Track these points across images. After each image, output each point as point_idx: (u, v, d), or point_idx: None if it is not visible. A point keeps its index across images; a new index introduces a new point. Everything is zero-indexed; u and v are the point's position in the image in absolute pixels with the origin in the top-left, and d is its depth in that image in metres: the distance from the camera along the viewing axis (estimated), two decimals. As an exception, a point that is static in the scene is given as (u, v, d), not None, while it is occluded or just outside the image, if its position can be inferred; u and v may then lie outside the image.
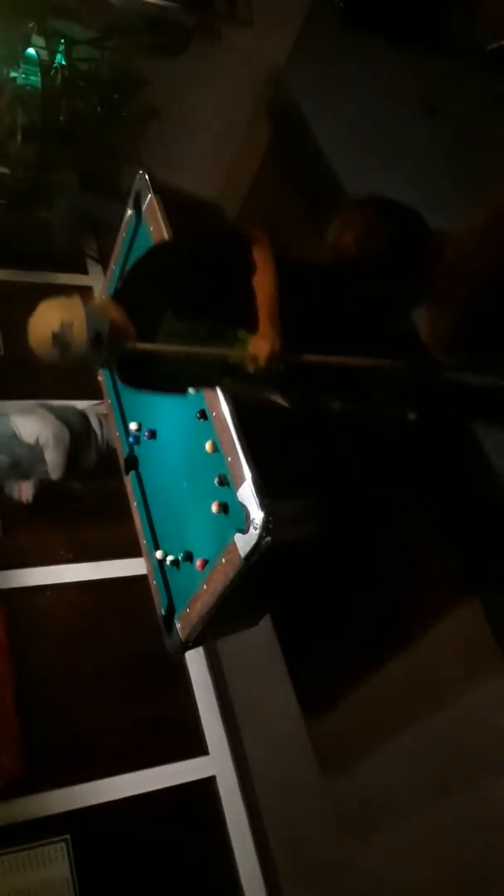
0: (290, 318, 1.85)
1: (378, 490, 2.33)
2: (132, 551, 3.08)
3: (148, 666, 3.16)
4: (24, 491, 3.32)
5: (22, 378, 3.88)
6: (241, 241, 1.92)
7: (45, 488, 3.33)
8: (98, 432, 3.46)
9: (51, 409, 3.38)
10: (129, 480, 3.02)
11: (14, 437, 3.23)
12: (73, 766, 2.99)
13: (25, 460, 3.26)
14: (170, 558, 2.64)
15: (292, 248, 3.06)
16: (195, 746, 3.28)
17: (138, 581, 3.04)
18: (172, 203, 2.68)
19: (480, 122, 2.56)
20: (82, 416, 3.47)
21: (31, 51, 3.94)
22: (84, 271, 4.51)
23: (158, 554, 2.72)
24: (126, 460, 3.05)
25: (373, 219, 1.73)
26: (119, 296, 1.96)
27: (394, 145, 2.85)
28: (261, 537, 2.01)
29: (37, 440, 3.22)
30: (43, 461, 3.26)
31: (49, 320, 1.79)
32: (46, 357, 1.83)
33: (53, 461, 3.25)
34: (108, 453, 3.34)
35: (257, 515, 2.02)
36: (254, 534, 2.03)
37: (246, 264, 1.88)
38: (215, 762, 3.27)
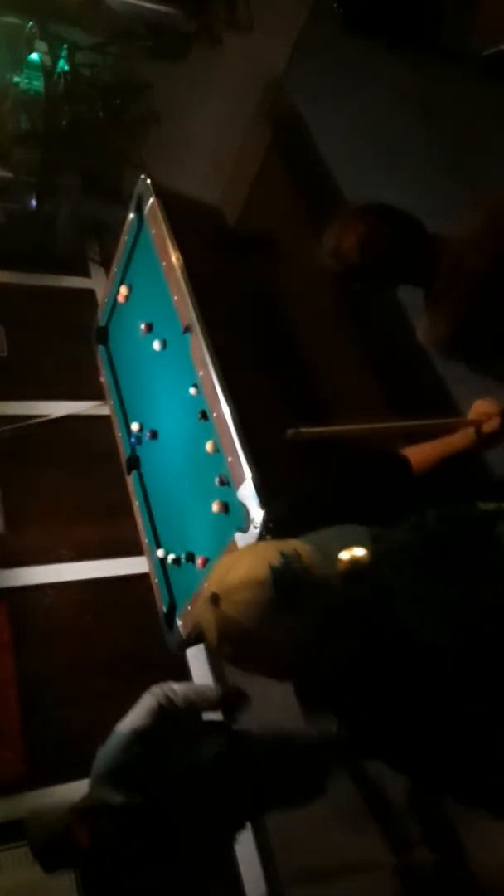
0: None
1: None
2: (134, 550, 3.11)
3: (150, 663, 3.18)
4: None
5: (23, 379, 3.91)
6: (384, 456, 1.59)
7: None
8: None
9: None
10: (131, 480, 3.05)
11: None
12: (75, 762, 3.00)
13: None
14: (171, 557, 2.67)
15: (292, 249, 3.10)
16: (196, 743, 3.29)
17: (140, 579, 3.06)
18: (173, 206, 2.72)
19: (478, 124, 2.60)
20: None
21: (33, 56, 3.97)
22: (86, 274, 4.54)
23: (160, 552, 2.76)
24: (128, 460, 3.09)
25: (373, 222, 1.75)
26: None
27: (393, 148, 2.88)
28: (261, 536, 2.04)
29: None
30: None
31: (262, 555, 1.15)
32: (259, 625, 1.10)
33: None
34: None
35: (257, 514, 2.06)
36: (254, 532, 2.06)
37: (402, 466, 1.55)
38: (216, 759, 3.28)
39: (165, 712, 2.14)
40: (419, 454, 1.59)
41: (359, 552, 1.15)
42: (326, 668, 1.17)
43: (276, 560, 1.12)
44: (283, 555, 1.13)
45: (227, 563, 1.18)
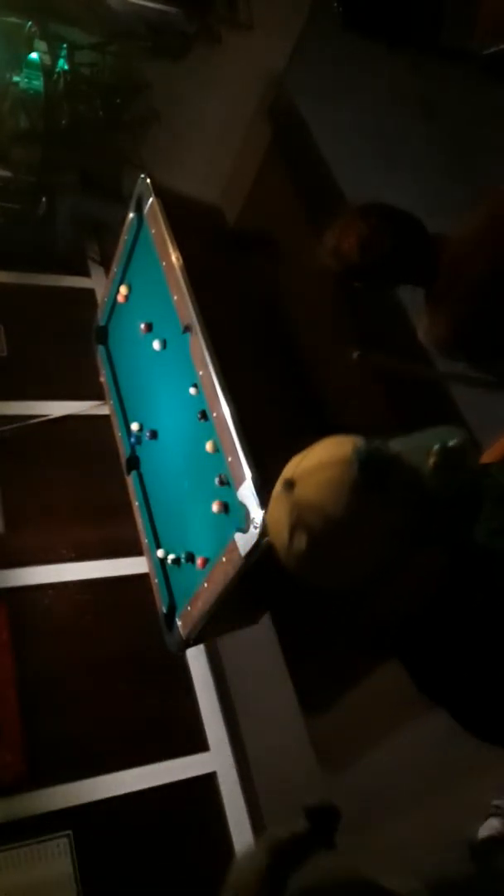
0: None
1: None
2: (134, 550, 3.11)
3: (149, 663, 3.19)
4: None
5: (23, 379, 3.91)
6: None
7: None
8: None
9: None
10: (131, 480, 3.05)
11: None
12: (74, 763, 3.01)
13: None
14: (171, 557, 2.67)
15: (292, 249, 3.09)
16: (196, 743, 3.29)
17: (140, 579, 3.06)
18: (173, 206, 2.72)
19: (478, 124, 2.60)
20: None
21: (33, 55, 3.98)
22: (86, 274, 4.54)
23: (160, 553, 2.75)
24: (128, 460, 3.09)
25: (374, 222, 1.76)
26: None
27: (393, 148, 2.88)
28: (261, 536, 2.04)
29: None
30: None
31: (344, 439, 1.02)
32: (341, 509, 0.95)
33: None
34: None
35: (257, 514, 2.05)
36: (254, 533, 2.06)
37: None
38: (216, 759, 3.28)
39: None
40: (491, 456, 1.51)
41: (453, 441, 0.98)
42: (410, 585, 1.02)
43: (359, 442, 0.99)
44: (367, 439, 1.00)
45: (303, 453, 1.03)
